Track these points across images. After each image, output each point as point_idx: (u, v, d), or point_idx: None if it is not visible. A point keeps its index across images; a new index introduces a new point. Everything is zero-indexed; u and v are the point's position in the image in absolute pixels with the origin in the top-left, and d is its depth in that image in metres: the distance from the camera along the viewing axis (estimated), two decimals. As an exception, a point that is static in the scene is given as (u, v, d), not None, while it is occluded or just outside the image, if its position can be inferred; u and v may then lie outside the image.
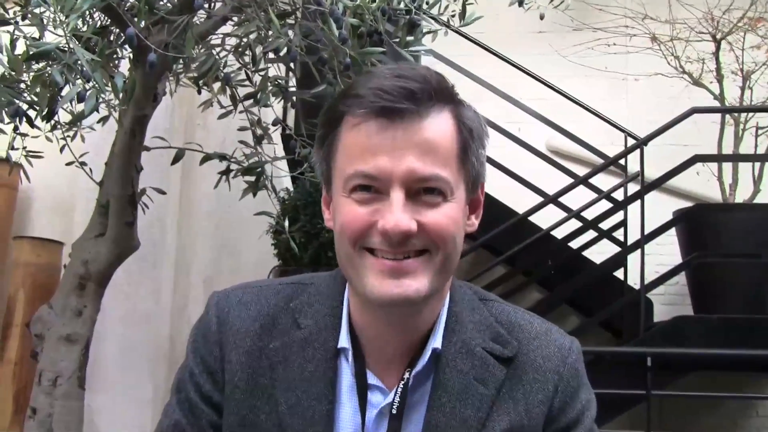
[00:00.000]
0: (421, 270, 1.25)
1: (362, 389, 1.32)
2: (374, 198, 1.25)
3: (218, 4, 3.00)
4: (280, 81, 3.25)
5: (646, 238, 5.13)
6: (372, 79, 1.27)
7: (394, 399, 1.30)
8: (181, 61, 2.91)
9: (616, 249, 5.53)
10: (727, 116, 5.83)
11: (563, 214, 5.66)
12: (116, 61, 3.26)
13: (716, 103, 5.84)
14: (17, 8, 2.89)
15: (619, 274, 5.54)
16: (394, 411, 1.30)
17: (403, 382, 1.31)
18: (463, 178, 1.30)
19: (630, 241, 5.40)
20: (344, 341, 1.34)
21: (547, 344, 1.39)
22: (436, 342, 1.33)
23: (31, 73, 2.60)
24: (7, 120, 2.89)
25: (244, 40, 3.02)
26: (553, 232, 5.63)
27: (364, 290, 1.26)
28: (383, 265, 1.24)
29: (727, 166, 5.77)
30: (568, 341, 1.41)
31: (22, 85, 2.87)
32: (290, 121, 4.63)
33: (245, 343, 1.36)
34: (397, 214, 1.22)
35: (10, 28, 2.35)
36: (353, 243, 1.26)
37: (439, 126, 1.26)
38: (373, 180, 1.24)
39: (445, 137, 1.27)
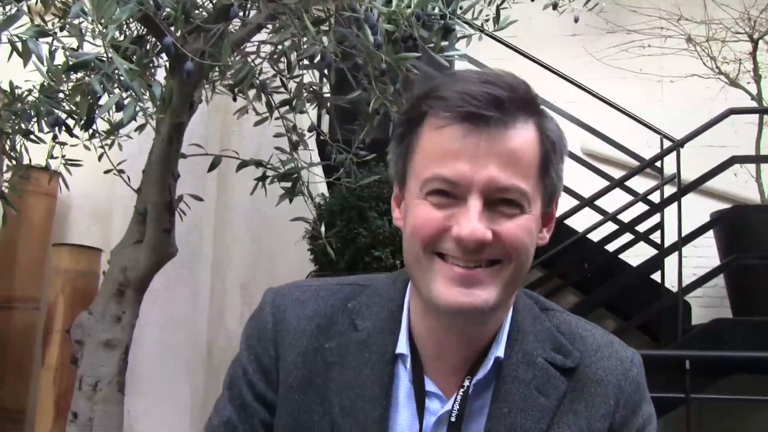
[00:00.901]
0: (491, 280, 1.24)
1: (420, 396, 1.31)
2: (451, 203, 1.23)
3: (253, 12, 3.01)
4: (315, 87, 3.26)
5: (683, 241, 5.09)
6: (458, 82, 1.26)
7: (453, 407, 1.29)
8: (216, 68, 2.93)
9: (653, 252, 5.49)
10: (765, 116, 5.77)
11: (599, 217, 5.64)
12: (153, 70, 3.29)
13: (753, 104, 5.79)
14: (56, 20, 2.93)
15: (656, 276, 5.50)
16: (453, 419, 1.29)
17: (462, 390, 1.30)
18: (541, 192, 1.28)
19: (667, 244, 5.36)
20: (403, 347, 1.33)
21: (609, 356, 1.37)
22: (499, 351, 1.32)
23: (70, 83, 2.63)
24: (46, 129, 2.94)
25: (279, 47, 3.03)
26: (589, 235, 5.61)
27: (430, 295, 1.25)
28: (453, 271, 1.23)
29: (766, 167, 5.72)
30: (630, 354, 1.39)
31: (61, 95, 2.91)
32: (324, 126, 4.65)
33: (301, 343, 1.35)
34: (474, 222, 1.20)
35: (50, 39, 2.38)
36: (424, 246, 1.25)
37: (523, 137, 1.24)
38: (451, 185, 1.22)
39: (528, 149, 1.25)
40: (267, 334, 1.37)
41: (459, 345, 1.32)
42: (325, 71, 3.23)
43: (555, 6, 3.42)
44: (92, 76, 2.34)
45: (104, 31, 2.13)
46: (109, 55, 2.18)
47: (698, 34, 6.08)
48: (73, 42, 2.42)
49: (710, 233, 5.45)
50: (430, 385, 1.32)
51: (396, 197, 1.37)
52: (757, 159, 5.68)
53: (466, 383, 1.30)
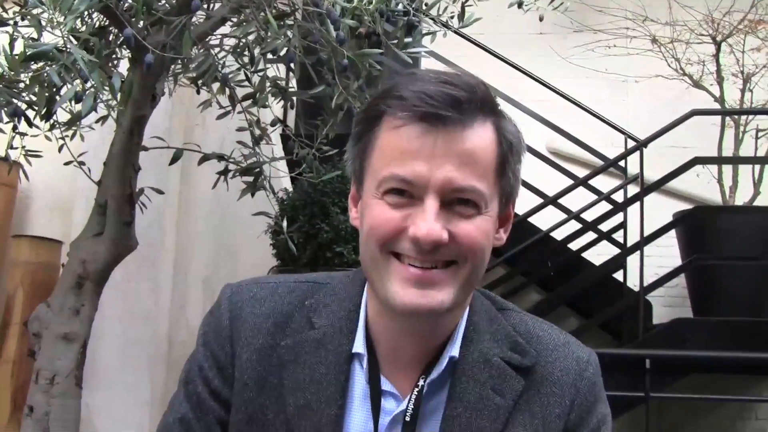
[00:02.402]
0: (446, 281, 1.23)
1: (375, 395, 1.30)
2: (407, 203, 1.22)
3: (217, 5, 2.99)
4: (279, 81, 3.25)
5: (645, 240, 5.13)
6: (416, 81, 1.24)
7: (408, 406, 1.29)
8: (179, 61, 2.91)
9: (616, 251, 5.54)
10: (728, 118, 5.84)
11: (563, 216, 5.68)
12: (115, 62, 3.26)
13: (716, 106, 5.85)
14: (16, 8, 2.90)
15: (618, 275, 5.55)
16: (407, 418, 1.28)
17: (417, 390, 1.30)
18: (498, 192, 1.28)
19: (629, 243, 5.40)
20: (359, 346, 1.32)
21: (565, 356, 1.37)
22: (454, 350, 1.32)
23: (30, 74, 2.60)
24: (5, 119, 2.90)
25: (243, 40, 3.02)
26: (552, 234, 5.64)
27: (386, 295, 1.24)
28: (409, 272, 1.22)
29: (727, 169, 5.78)
30: (586, 354, 1.39)
31: (21, 85, 2.87)
32: (290, 121, 4.64)
33: (257, 341, 1.34)
34: (430, 222, 1.20)
35: (9, 28, 2.35)
36: (381, 246, 1.24)
37: (480, 137, 1.24)
38: (408, 185, 1.21)
39: (485, 149, 1.24)
40: (223, 330, 1.36)
41: (415, 345, 1.32)
42: (290, 65, 3.22)
43: (520, 4, 3.43)
44: (52, 66, 2.31)
45: (63, 21, 2.11)
46: (69, 46, 2.15)
47: (663, 35, 6.14)
48: (32, 32, 2.39)
49: (672, 233, 5.50)
50: (386, 385, 1.32)
51: (353, 196, 1.36)
52: (719, 160, 5.74)
53: (421, 382, 1.30)
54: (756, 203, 5.67)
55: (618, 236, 5.60)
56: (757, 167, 5.76)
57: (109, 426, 4.20)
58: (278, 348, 1.34)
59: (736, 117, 5.84)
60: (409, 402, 1.29)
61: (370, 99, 1.34)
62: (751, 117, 5.89)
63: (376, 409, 1.30)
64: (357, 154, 1.31)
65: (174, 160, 3.28)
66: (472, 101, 1.23)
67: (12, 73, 2.56)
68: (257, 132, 3.26)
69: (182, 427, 1.35)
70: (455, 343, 1.33)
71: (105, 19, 2.89)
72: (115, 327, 4.22)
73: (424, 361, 1.32)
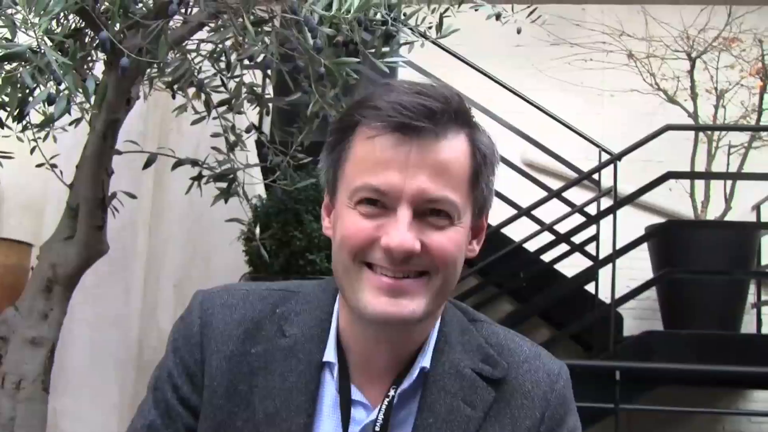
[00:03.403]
0: (418, 291, 1.23)
1: (345, 405, 1.29)
2: (380, 213, 1.22)
3: (194, 10, 2.98)
4: (255, 88, 3.24)
5: (617, 253, 5.16)
6: (391, 92, 1.24)
7: (378, 416, 1.28)
8: (155, 65, 2.89)
9: (588, 263, 5.56)
10: (701, 134, 5.89)
11: (536, 227, 5.70)
12: (90, 64, 3.24)
13: (690, 121, 5.90)
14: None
15: (590, 287, 5.57)
16: (377, 428, 1.28)
17: (387, 400, 1.29)
18: (471, 204, 1.28)
19: (602, 256, 5.43)
20: (330, 355, 1.31)
21: (536, 369, 1.37)
22: (425, 361, 1.31)
23: (2, 74, 2.58)
24: (-23, 120, 2.88)
25: (220, 46, 3.01)
26: (525, 245, 5.66)
27: (357, 305, 1.24)
28: (381, 282, 1.22)
29: (700, 184, 5.83)
30: (557, 367, 1.39)
31: (-7, 85, 2.84)
32: (266, 128, 4.63)
33: (227, 348, 1.33)
34: (403, 233, 1.20)
35: (-18, 28, 2.33)
36: (353, 256, 1.23)
37: (454, 148, 1.24)
38: (381, 195, 1.21)
39: (458, 160, 1.24)
40: (193, 337, 1.35)
41: (386, 354, 1.31)
42: (267, 72, 3.21)
43: (498, 17, 3.43)
44: (25, 67, 2.29)
45: (38, 22, 2.09)
46: (43, 48, 2.13)
47: (639, 50, 6.19)
48: (6, 32, 2.37)
49: (645, 246, 5.53)
50: (356, 394, 1.31)
51: (326, 206, 1.36)
52: (692, 175, 5.79)
53: (391, 393, 1.29)
54: (727, 218, 5.73)
55: (590, 248, 5.62)
56: (729, 182, 5.81)
57: (77, 430, 4.16)
58: (248, 355, 1.32)
59: (709, 132, 5.90)
60: (379, 412, 1.28)
61: (345, 109, 1.33)
62: (723, 133, 5.95)
63: (345, 419, 1.29)
64: (330, 163, 1.31)
65: (147, 164, 3.26)
66: (446, 112, 1.23)
67: (-16, 73, 2.53)
68: (232, 138, 3.26)
69: None
70: (426, 354, 1.32)
71: (81, 21, 2.87)
72: (85, 331, 4.18)
73: (395, 371, 1.31)
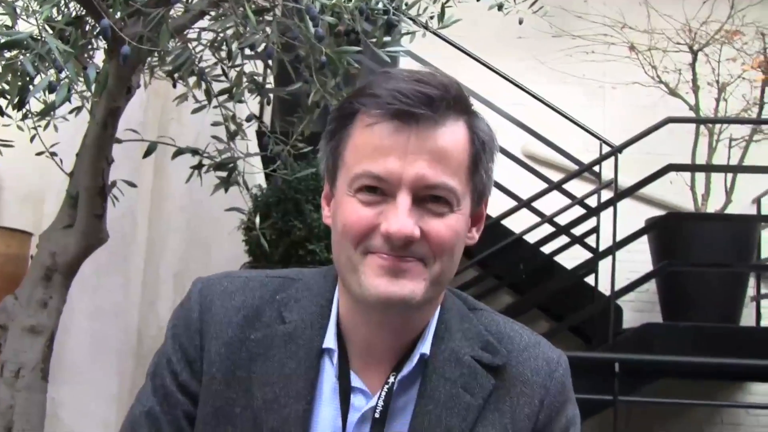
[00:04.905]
0: (418, 273, 1.23)
1: (345, 391, 1.29)
2: (380, 200, 1.23)
3: (196, -2, 2.98)
4: (256, 77, 3.24)
5: (617, 245, 5.16)
6: (390, 80, 1.25)
7: (377, 403, 1.28)
8: (156, 54, 2.89)
9: (588, 255, 5.55)
10: (702, 127, 5.89)
11: (536, 219, 5.69)
12: (91, 52, 3.23)
13: (691, 114, 5.90)
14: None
15: (590, 280, 5.57)
16: (377, 415, 1.28)
17: (387, 386, 1.29)
18: (470, 190, 1.28)
19: (602, 248, 5.43)
20: (330, 342, 1.31)
21: (535, 357, 1.37)
22: (425, 348, 1.31)
23: (2, 62, 2.57)
24: (-23, 108, 2.87)
25: (221, 35, 3.00)
26: (525, 237, 5.65)
27: (359, 288, 1.24)
28: (381, 262, 1.22)
29: (700, 176, 5.83)
30: (556, 355, 1.39)
31: (-7, 73, 2.84)
32: (267, 117, 4.62)
33: (226, 334, 1.32)
34: (402, 219, 1.20)
35: (-17, 15, 2.33)
36: (356, 245, 1.24)
37: (453, 135, 1.24)
38: (380, 181, 1.22)
39: (457, 147, 1.25)
40: (193, 323, 1.34)
41: (386, 341, 1.31)
42: (268, 62, 3.20)
43: (500, 7, 3.43)
44: (26, 55, 2.28)
45: (39, 9, 2.08)
46: (44, 35, 2.13)
47: (641, 42, 6.18)
48: (7, 19, 2.36)
49: (645, 239, 5.53)
50: (356, 381, 1.31)
51: (326, 195, 1.36)
52: (692, 168, 5.79)
53: (391, 379, 1.30)
54: (727, 211, 5.73)
55: (590, 241, 5.62)
56: (730, 175, 5.81)
57: (76, 420, 4.16)
58: (248, 342, 1.32)
59: (710, 125, 5.89)
60: (378, 399, 1.28)
61: (344, 97, 1.33)
62: (725, 126, 5.94)
63: (345, 406, 1.29)
64: (330, 152, 1.31)
65: (148, 153, 3.25)
66: (444, 99, 1.24)
67: (-15, 60, 2.53)
68: (232, 127, 3.25)
69: (149, 421, 1.33)
70: (426, 341, 1.32)
71: (81, 8, 2.86)
72: (84, 321, 4.18)
73: (394, 358, 1.32)
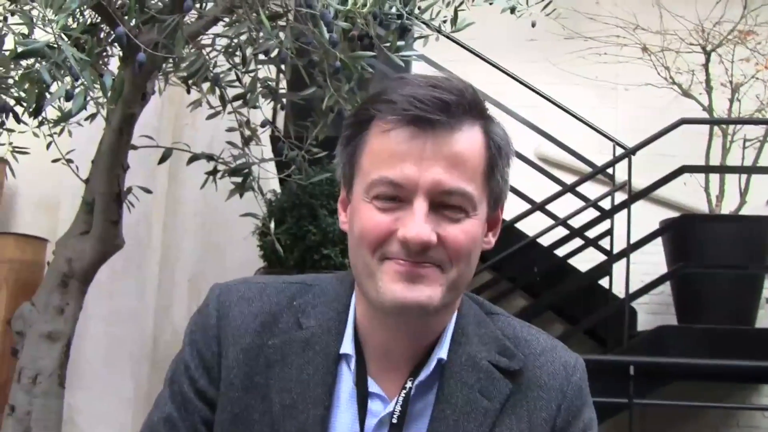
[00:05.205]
0: (435, 279, 1.24)
1: (362, 397, 1.30)
2: (396, 206, 1.23)
3: (210, 5, 2.98)
4: (270, 83, 3.24)
5: (631, 248, 5.15)
6: (405, 86, 1.26)
7: (395, 408, 1.28)
8: (170, 60, 2.90)
9: (602, 257, 5.54)
10: (715, 128, 5.87)
11: (550, 222, 5.68)
12: (106, 59, 3.24)
13: (705, 115, 5.88)
14: (6, 3, 2.88)
15: (604, 282, 5.56)
16: (394, 420, 1.28)
17: (405, 392, 1.29)
18: (487, 195, 1.29)
19: (616, 250, 5.41)
20: (348, 347, 1.32)
21: (552, 361, 1.37)
22: (442, 352, 1.32)
23: (20, 70, 2.59)
24: (-7, 115, 2.88)
25: (235, 40, 3.01)
26: (539, 240, 5.64)
27: (377, 293, 1.24)
28: (398, 267, 1.22)
29: (714, 178, 5.81)
30: (573, 359, 1.40)
31: (10, 81, 2.85)
32: (280, 123, 4.63)
33: (244, 340, 1.33)
34: (419, 224, 1.21)
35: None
36: (373, 251, 1.24)
37: (469, 140, 1.25)
38: (397, 188, 1.22)
39: (473, 152, 1.25)
40: (210, 329, 1.35)
41: (403, 346, 1.32)
42: (281, 67, 3.21)
43: (513, 10, 3.42)
44: (42, 63, 2.30)
45: (55, 18, 2.09)
46: (60, 44, 2.14)
47: (653, 43, 6.16)
48: (24, 28, 2.37)
49: (659, 241, 5.52)
50: (373, 386, 1.31)
51: (342, 201, 1.36)
52: (707, 169, 5.77)
53: (408, 384, 1.30)
54: (742, 212, 5.70)
55: (604, 243, 5.60)
56: (744, 176, 5.79)
57: (92, 426, 4.18)
58: (265, 348, 1.33)
59: (724, 126, 5.87)
60: (396, 404, 1.29)
61: (360, 103, 1.34)
62: (738, 126, 5.92)
63: (362, 411, 1.30)
64: (346, 158, 1.32)
65: (163, 159, 3.27)
66: (460, 105, 1.24)
67: (2, 69, 2.54)
68: (247, 133, 3.26)
69: (167, 427, 1.34)
70: (443, 346, 1.33)
71: (97, 16, 2.88)
72: (100, 326, 4.20)
73: (411, 363, 1.32)
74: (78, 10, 2.81)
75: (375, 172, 1.24)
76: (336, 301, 1.37)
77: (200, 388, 1.34)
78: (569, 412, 1.34)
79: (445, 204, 1.23)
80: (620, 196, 5.56)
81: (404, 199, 1.23)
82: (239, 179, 3.22)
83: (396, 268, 1.23)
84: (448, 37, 3.78)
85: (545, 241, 5.63)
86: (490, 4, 3.31)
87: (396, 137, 1.23)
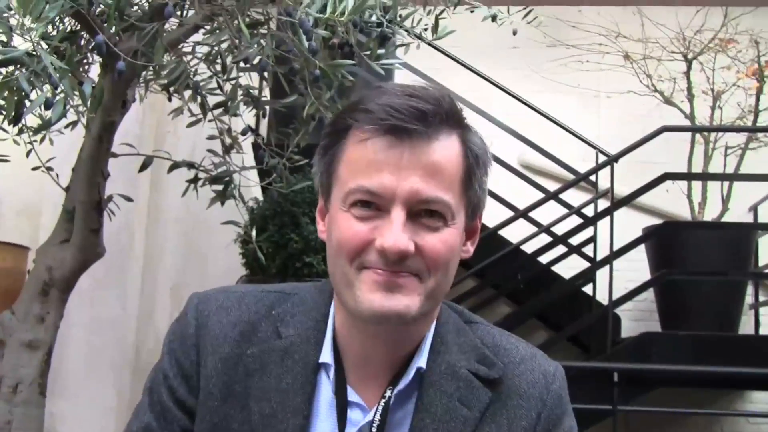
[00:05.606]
0: (413, 288, 1.24)
1: (342, 406, 1.30)
2: (374, 215, 1.23)
3: (190, 12, 2.98)
4: (251, 90, 3.24)
5: (614, 254, 5.16)
6: (383, 95, 1.26)
7: (374, 417, 1.28)
8: (151, 68, 2.89)
9: (586, 264, 5.56)
10: (697, 135, 5.90)
11: (533, 229, 5.70)
12: (86, 67, 3.23)
13: (687, 122, 5.92)
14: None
15: (587, 289, 5.57)
16: (374, 429, 1.28)
17: (384, 401, 1.29)
18: (464, 204, 1.29)
19: (599, 257, 5.43)
20: (327, 356, 1.32)
21: (532, 369, 1.37)
22: (421, 361, 1.32)
23: (-2, 78, 2.57)
24: (-28, 124, 2.86)
25: (216, 48, 3.00)
26: (523, 247, 5.66)
27: (355, 303, 1.24)
28: (376, 277, 1.22)
29: (697, 185, 5.84)
30: (553, 367, 1.40)
31: (-11, 89, 2.84)
32: (263, 131, 4.63)
33: (223, 350, 1.33)
34: (397, 233, 1.21)
35: (-22, 32, 2.32)
36: (351, 260, 1.24)
37: (446, 149, 1.25)
38: (374, 196, 1.22)
39: (451, 161, 1.26)
40: (189, 339, 1.35)
41: (382, 355, 1.32)
42: (263, 74, 3.21)
43: (494, 18, 3.43)
44: (21, 71, 2.29)
45: (34, 27, 2.09)
46: (39, 52, 2.13)
47: (635, 51, 6.20)
48: (3, 36, 2.36)
49: (642, 248, 5.54)
50: (352, 395, 1.31)
51: (320, 210, 1.36)
52: (689, 176, 5.80)
53: (388, 393, 1.30)
54: (724, 219, 5.73)
55: (588, 250, 5.62)
56: (726, 183, 5.82)
57: (74, 435, 4.15)
58: (244, 357, 1.33)
59: (705, 134, 5.90)
60: (375, 413, 1.29)
61: (337, 112, 1.34)
62: (720, 134, 5.96)
63: (342, 420, 1.29)
64: (324, 167, 1.32)
65: (143, 167, 3.25)
66: (437, 114, 1.24)
67: (-20, 77, 2.52)
68: (228, 140, 3.25)
69: None
70: (422, 354, 1.33)
71: (76, 23, 2.86)
72: (81, 335, 4.18)
73: (391, 373, 1.32)
74: (57, 18, 2.80)
75: (352, 181, 1.24)
76: (315, 310, 1.37)
77: (179, 398, 1.34)
78: (549, 420, 1.35)
79: (422, 213, 1.23)
80: (603, 204, 5.58)
81: (382, 209, 1.23)
82: (220, 187, 3.21)
83: (374, 277, 1.23)
84: (430, 45, 3.79)
85: (528, 248, 5.65)
86: (472, 12, 3.32)
87: (373, 146, 1.23)
